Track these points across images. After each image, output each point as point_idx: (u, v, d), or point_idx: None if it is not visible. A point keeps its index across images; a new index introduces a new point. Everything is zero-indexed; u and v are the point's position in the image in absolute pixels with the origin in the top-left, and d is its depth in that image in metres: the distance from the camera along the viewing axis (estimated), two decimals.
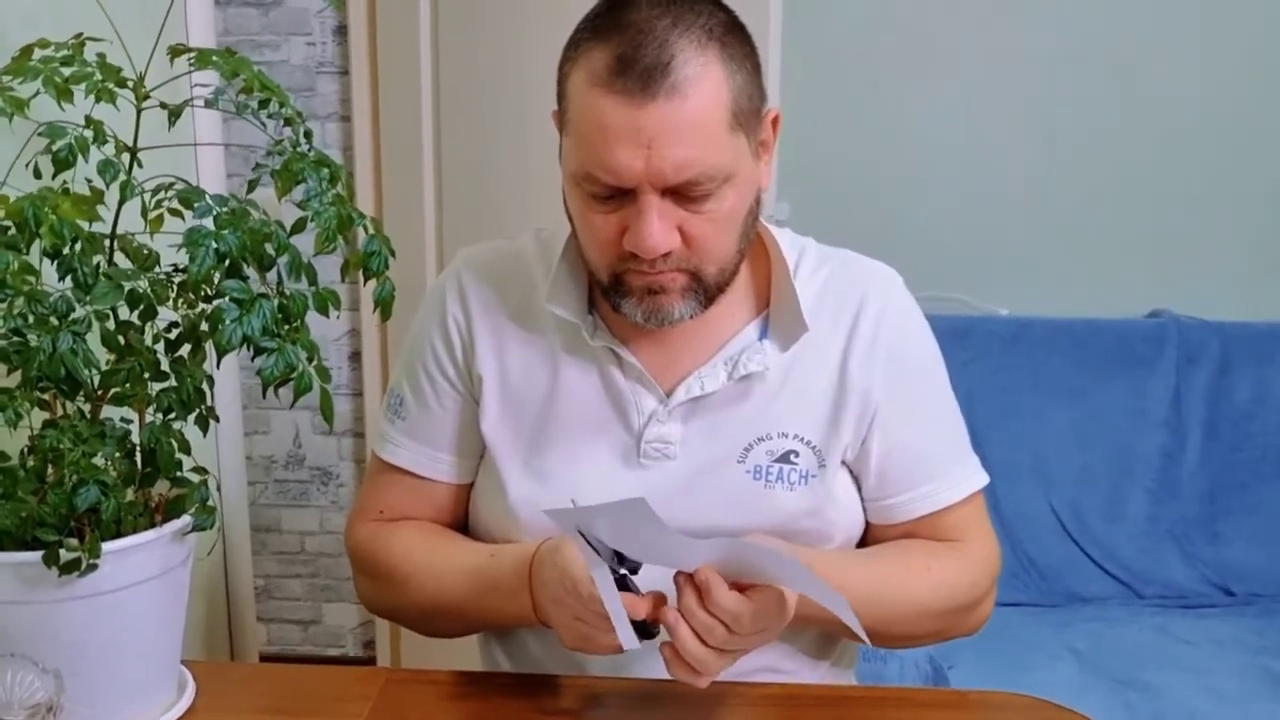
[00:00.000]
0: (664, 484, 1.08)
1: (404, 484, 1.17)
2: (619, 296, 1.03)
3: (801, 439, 1.08)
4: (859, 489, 1.13)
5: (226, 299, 0.88)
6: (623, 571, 0.95)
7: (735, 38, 0.98)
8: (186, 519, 0.93)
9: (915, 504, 1.12)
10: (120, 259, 0.94)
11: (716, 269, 1.02)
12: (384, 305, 0.96)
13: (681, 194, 0.96)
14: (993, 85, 2.46)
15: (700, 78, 0.94)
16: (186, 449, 0.94)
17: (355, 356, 2.51)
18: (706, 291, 1.03)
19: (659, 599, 0.95)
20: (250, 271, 0.91)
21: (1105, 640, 2.08)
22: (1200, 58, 2.43)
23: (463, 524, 1.20)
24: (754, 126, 1.00)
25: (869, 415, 1.09)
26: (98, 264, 0.89)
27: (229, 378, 1.83)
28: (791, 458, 1.08)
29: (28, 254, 0.86)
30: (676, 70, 0.93)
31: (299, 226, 0.91)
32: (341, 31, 2.37)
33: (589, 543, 0.92)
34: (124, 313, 0.90)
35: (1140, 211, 2.49)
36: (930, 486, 1.12)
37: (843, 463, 1.11)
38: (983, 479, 1.16)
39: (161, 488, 0.95)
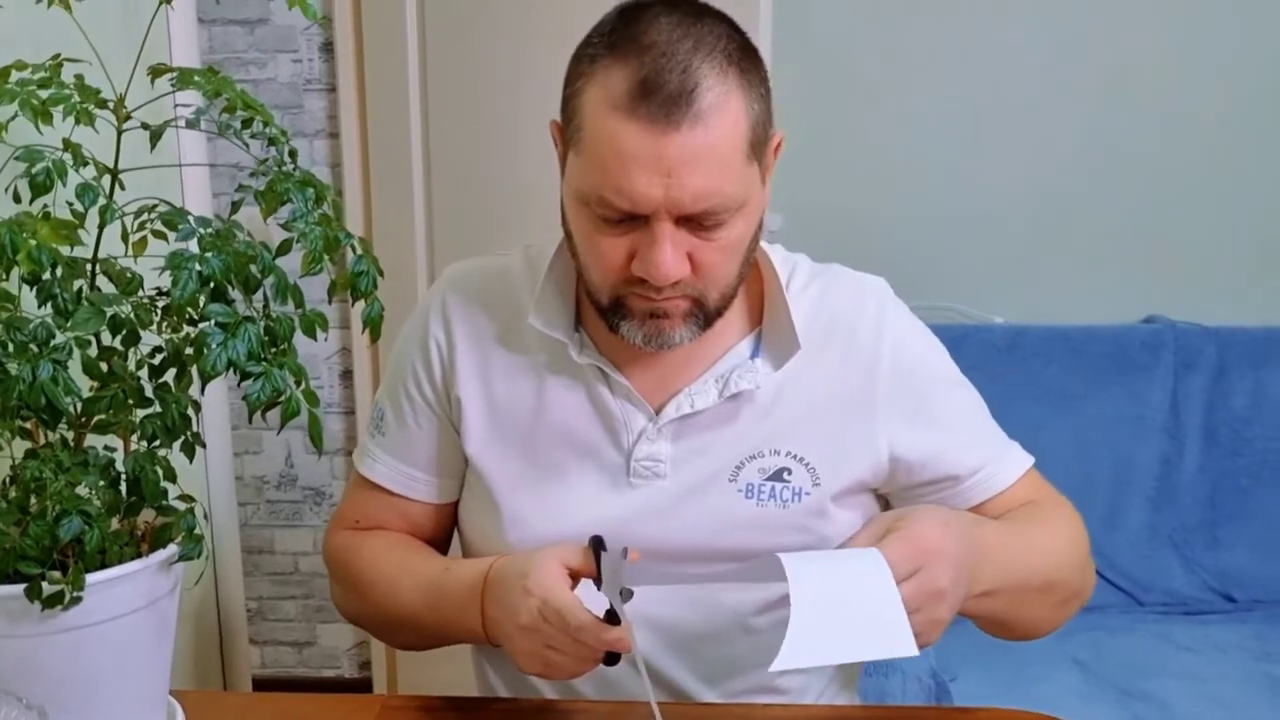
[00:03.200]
0: (655, 503, 1.07)
1: (380, 499, 1.17)
2: (619, 318, 1.02)
3: (795, 456, 1.07)
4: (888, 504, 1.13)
5: (211, 323, 0.86)
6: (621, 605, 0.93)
7: (751, 62, 0.96)
8: (173, 548, 0.91)
9: (971, 491, 1.10)
10: (103, 283, 0.92)
11: (719, 294, 1.01)
12: (373, 326, 0.95)
13: (695, 222, 0.95)
14: (985, 93, 2.45)
15: (723, 106, 0.92)
16: (172, 476, 0.92)
17: (347, 375, 2.49)
18: (707, 316, 1.02)
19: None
20: (236, 294, 0.89)
21: (1107, 649, 2.07)
22: (1193, 64, 2.42)
23: (440, 539, 1.20)
24: (764, 153, 0.99)
25: (884, 446, 1.08)
26: (79, 289, 0.87)
27: (219, 398, 1.82)
28: (784, 475, 1.07)
29: (6, 280, 0.84)
30: (700, 98, 0.91)
31: (285, 247, 0.90)
32: (328, 48, 2.36)
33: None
34: (106, 338, 0.89)
35: (1134, 218, 2.48)
36: (981, 475, 1.10)
37: (874, 493, 1.11)
38: (1029, 458, 1.14)
39: (148, 516, 0.93)
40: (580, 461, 1.08)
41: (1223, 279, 2.49)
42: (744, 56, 0.95)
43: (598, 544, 0.96)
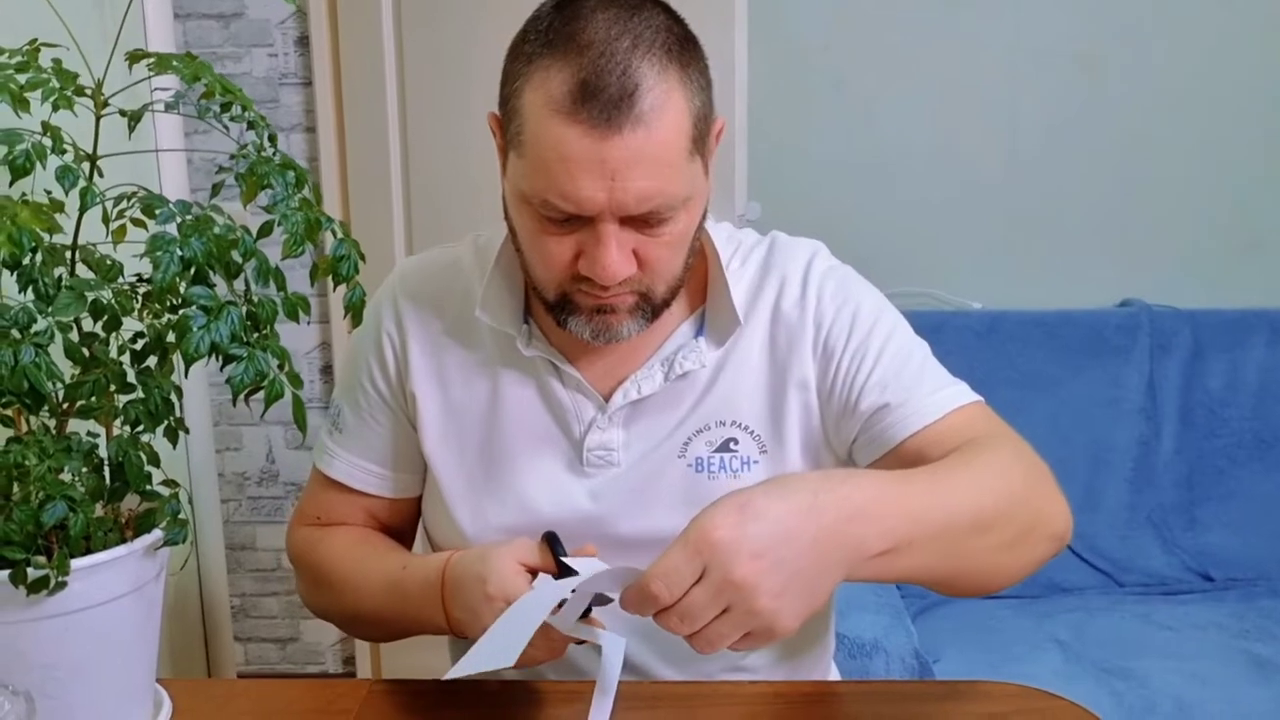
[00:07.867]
0: (610, 490, 1.07)
1: (340, 496, 1.17)
2: (566, 314, 1.02)
3: (739, 425, 1.07)
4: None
5: (194, 307, 0.86)
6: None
7: (690, 54, 0.96)
8: (157, 533, 0.91)
9: (901, 425, 1.02)
10: (83, 271, 0.91)
11: (665, 287, 1.02)
12: (355, 310, 0.95)
13: (640, 220, 0.95)
14: (959, 80, 2.47)
15: (664, 106, 0.92)
16: (156, 461, 0.92)
17: (327, 369, 2.48)
18: (654, 308, 1.03)
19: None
20: (218, 279, 0.89)
21: (1088, 630, 2.09)
22: (1164, 48, 2.45)
23: (405, 532, 1.20)
24: (706, 145, 0.99)
25: (814, 400, 1.07)
26: (60, 275, 0.87)
27: (199, 392, 1.81)
28: (731, 445, 1.07)
29: None
30: (641, 99, 0.90)
31: (265, 230, 0.90)
32: (304, 42, 2.35)
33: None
34: (88, 325, 0.88)
35: (1108, 202, 2.50)
36: (906, 409, 1.03)
37: (835, 454, 1.08)
38: (974, 395, 1.06)
39: (131, 503, 0.93)
40: (535, 455, 1.08)
41: (1197, 262, 2.51)
42: (683, 50, 0.94)
43: (552, 539, 0.97)
